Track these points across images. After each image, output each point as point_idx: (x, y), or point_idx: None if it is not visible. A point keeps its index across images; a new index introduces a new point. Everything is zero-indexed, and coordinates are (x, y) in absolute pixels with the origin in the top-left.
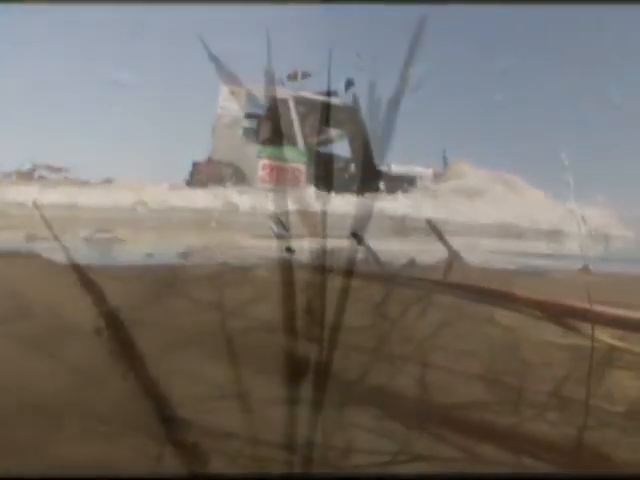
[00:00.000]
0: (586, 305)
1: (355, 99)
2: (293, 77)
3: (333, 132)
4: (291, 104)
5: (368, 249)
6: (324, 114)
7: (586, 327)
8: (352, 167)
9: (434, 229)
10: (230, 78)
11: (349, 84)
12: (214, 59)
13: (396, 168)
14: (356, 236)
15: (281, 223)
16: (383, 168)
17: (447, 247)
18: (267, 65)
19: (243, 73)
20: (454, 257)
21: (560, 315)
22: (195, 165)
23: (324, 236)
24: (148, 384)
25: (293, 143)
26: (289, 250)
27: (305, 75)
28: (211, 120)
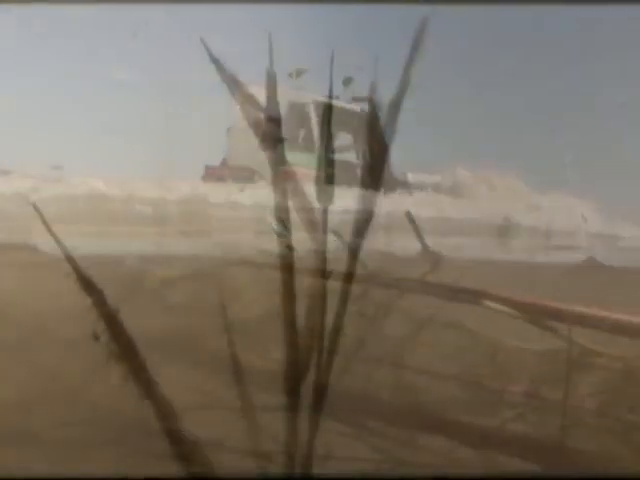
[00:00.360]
0: (565, 306)
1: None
2: (291, 76)
3: (345, 138)
4: (311, 108)
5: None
6: (327, 117)
7: (562, 328)
8: (357, 172)
9: (412, 223)
10: (232, 81)
11: (347, 82)
12: (215, 61)
13: (413, 177)
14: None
15: (282, 221)
16: (400, 176)
17: (421, 242)
18: (269, 67)
19: (247, 75)
20: (426, 252)
21: (538, 315)
22: (208, 169)
23: (324, 239)
24: (148, 387)
25: (312, 149)
26: (289, 248)
27: (300, 72)
28: (215, 123)
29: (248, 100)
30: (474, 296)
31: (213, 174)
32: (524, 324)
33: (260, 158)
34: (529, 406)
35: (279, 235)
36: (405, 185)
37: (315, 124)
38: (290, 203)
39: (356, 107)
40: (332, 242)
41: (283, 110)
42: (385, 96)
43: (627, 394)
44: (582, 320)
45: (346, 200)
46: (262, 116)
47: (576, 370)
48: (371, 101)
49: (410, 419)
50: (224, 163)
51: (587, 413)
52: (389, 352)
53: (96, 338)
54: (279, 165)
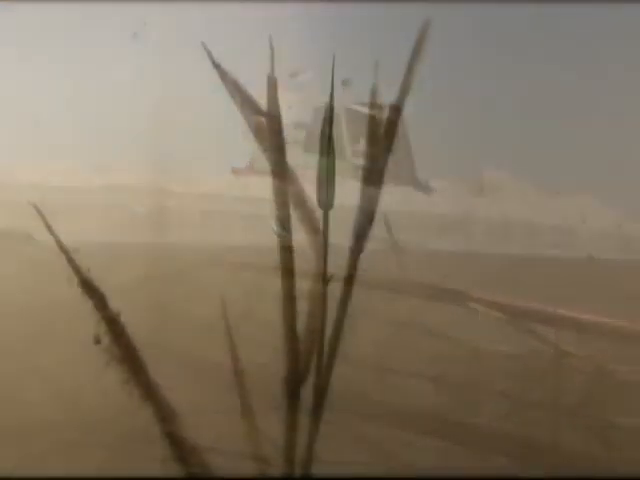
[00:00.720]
0: (549, 308)
1: (374, 109)
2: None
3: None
4: (342, 112)
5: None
6: (328, 122)
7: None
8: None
9: (386, 222)
10: (233, 86)
11: (346, 84)
12: (217, 66)
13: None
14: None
15: (282, 223)
16: (423, 181)
17: (391, 239)
18: (270, 71)
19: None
20: (395, 248)
21: (521, 317)
22: (234, 170)
23: (325, 242)
24: (149, 391)
25: (341, 155)
26: (289, 250)
27: (293, 75)
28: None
29: (248, 103)
30: (458, 297)
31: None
32: (499, 325)
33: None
34: (509, 406)
35: (279, 236)
36: (426, 189)
37: (344, 129)
38: (291, 205)
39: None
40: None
41: (310, 114)
42: (386, 99)
43: (600, 394)
44: (565, 322)
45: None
46: (262, 119)
47: (552, 371)
48: (372, 105)
49: (396, 420)
50: (249, 168)
51: (563, 412)
52: (369, 354)
53: (97, 341)
54: (280, 168)
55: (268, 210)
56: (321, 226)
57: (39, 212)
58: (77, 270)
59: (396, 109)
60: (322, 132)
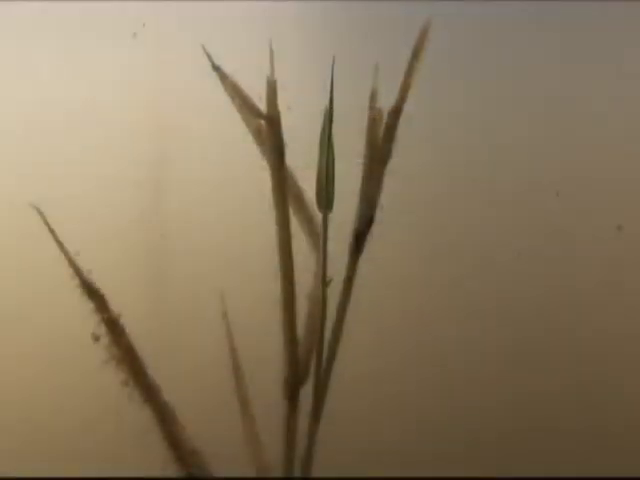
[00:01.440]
0: None
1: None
2: None
3: None
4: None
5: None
6: (328, 122)
7: None
8: None
9: None
10: (234, 89)
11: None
12: (217, 69)
13: None
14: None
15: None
16: None
17: None
18: (269, 74)
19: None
20: None
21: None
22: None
23: (324, 244)
24: (150, 392)
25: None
26: (289, 251)
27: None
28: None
29: (247, 106)
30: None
31: None
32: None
33: None
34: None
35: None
36: None
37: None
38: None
39: None
40: None
41: (309, 116)
42: (385, 102)
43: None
44: None
45: None
46: (262, 121)
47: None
48: (372, 108)
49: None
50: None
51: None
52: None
53: (96, 339)
54: (279, 171)
55: (267, 211)
56: (320, 228)
57: (41, 214)
58: (78, 272)
59: (395, 112)
60: (322, 132)
